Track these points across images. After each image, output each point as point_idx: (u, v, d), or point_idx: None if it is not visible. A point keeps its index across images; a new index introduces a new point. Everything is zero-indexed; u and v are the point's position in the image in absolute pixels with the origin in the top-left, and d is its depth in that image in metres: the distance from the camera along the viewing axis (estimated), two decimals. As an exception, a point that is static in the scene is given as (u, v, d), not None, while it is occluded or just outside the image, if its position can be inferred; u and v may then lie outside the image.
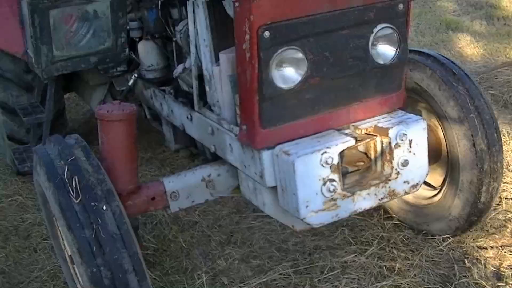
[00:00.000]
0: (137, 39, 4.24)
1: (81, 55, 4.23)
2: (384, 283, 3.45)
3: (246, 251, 3.86)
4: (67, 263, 3.33)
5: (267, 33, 2.55)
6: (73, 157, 2.88)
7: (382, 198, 2.95)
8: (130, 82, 4.33)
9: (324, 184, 2.74)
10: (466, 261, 3.55)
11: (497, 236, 3.79)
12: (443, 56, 3.63)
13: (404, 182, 2.98)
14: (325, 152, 2.72)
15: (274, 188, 2.89)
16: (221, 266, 3.74)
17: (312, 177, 2.71)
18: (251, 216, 4.20)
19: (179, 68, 3.51)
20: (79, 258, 2.65)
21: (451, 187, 3.52)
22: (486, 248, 3.68)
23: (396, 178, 2.94)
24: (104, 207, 2.71)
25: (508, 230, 3.83)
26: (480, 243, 3.72)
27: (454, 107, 3.37)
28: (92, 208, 2.69)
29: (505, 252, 3.65)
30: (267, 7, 2.51)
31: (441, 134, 3.53)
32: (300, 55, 2.67)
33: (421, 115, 3.10)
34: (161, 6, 3.78)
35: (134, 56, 4.28)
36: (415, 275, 3.49)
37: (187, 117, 3.48)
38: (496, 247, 3.70)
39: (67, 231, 2.69)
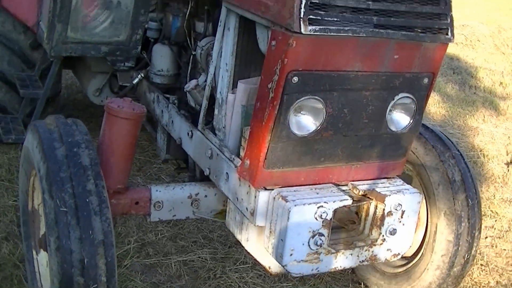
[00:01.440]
0: (152, 40, 4.24)
1: (93, 41, 4.24)
2: (284, 284, 3.76)
3: (176, 232, 4.21)
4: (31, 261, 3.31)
5: (295, 79, 2.56)
6: (74, 145, 2.85)
7: (362, 261, 2.97)
8: (135, 81, 4.32)
9: (313, 236, 2.75)
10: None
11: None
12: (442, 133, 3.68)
13: (387, 250, 3.01)
14: (322, 206, 2.73)
15: (261, 228, 2.89)
16: (150, 239, 4.08)
17: (303, 227, 2.72)
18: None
19: (192, 83, 3.50)
20: (53, 229, 2.61)
21: (425, 258, 3.54)
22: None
23: (381, 244, 2.97)
24: (93, 201, 2.69)
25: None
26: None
27: (441, 179, 3.41)
28: (82, 196, 2.67)
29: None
30: (302, 55, 2.52)
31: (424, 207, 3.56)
32: (320, 106, 2.68)
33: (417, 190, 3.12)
34: (188, 16, 3.77)
35: (145, 56, 4.28)
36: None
37: (188, 133, 3.47)
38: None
39: (50, 200, 2.67)
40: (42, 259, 3.28)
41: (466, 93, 8.91)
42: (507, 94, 9.23)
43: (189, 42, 3.81)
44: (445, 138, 3.61)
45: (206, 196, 3.39)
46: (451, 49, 11.24)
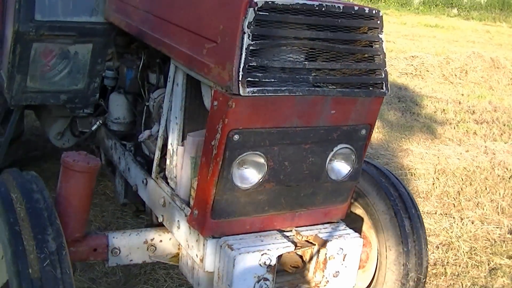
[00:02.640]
0: (109, 88, 4.37)
1: (52, 90, 4.35)
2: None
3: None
4: None
5: (236, 137, 2.73)
6: (30, 196, 2.97)
7: (308, 302, 3.13)
8: (94, 127, 4.45)
9: (258, 281, 2.91)
10: None
11: None
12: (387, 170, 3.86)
13: (331, 291, 3.17)
14: (265, 253, 2.90)
15: (211, 273, 3.04)
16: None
17: (248, 273, 2.89)
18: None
19: (145, 134, 3.67)
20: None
21: None
22: None
23: (324, 286, 3.14)
24: (52, 248, 2.79)
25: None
26: None
27: (388, 215, 3.57)
28: (41, 246, 2.77)
29: None
30: (242, 114, 2.69)
31: (373, 240, 3.71)
32: (262, 160, 2.86)
33: (359, 233, 3.29)
34: (141, 67, 3.93)
35: (102, 103, 4.41)
36: None
37: (143, 181, 3.62)
38: None
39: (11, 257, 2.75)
40: None
41: (407, 119, 9.48)
42: (446, 120, 9.79)
43: (142, 92, 3.97)
44: (393, 178, 3.78)
45: (161, 241, 3.52)
46: (401, 79, 12.16)
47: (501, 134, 9.48)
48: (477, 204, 6.49)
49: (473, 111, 10.67)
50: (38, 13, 4.06)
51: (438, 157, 7.79)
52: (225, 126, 2.69)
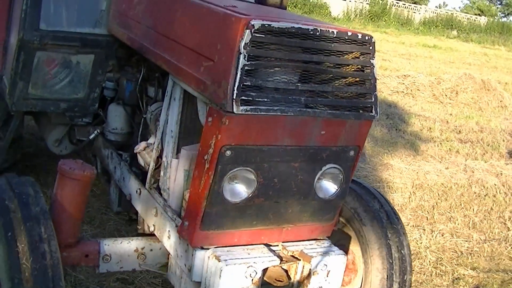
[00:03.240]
0: (109, 98, 4.48)
1: (53, 98, 4.46)
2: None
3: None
4: None
5: (228, 152, 2.84)
6: (26, 201, 3.06)
7: (291, 316, 3.23)
8: (91, 136, 4.55)
9: None
10: None
11: None
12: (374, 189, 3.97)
13: (314, 306, 3.27)
14: (251, 266, 3.00)
15: (198, 283, 3.14)
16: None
17: (234, 284, 2.99)
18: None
19: (141, 145, 3.77)
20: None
21: None
22: None
23: (308, 300, 3.24)
24: (45, 252, 2.88)
25: None
26: None
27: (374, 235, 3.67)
28: (34, 249, 2.86)
29: None
30: (234, 131, 2.81)
31: (360, 262, 3.81)
32: (252, 176, 2.97)
33: (343, 250, 3.39)
34: (141, 80, 4.04)
35: (101, 113, 4.51)
36: None
37: (136, 191, 3.72)
38: None
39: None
40: None
41: (392, 135, 9.74)
42: (431, 138, 10.08)
43: (141, 105, 4.08)
44: (379, 195, 3.89)
45: (151, 250, 3.62)
46: (392, 97, 12.47)
47: (484, 154, 9.80)
48: (450, 218, 6.78)
49: (459, 131, 11.01)
50: (43, 23, 4.18)
51: (417, 172, 8.04)
52: (218, 142, 2.80)
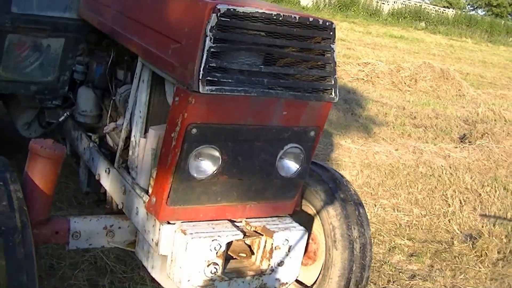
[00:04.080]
0: (78, 81, 4.58)
1: (23, 81, 4.54)
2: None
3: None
4: None
5: (194, 130, 2.98)
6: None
7: (253, 288, 3.39)
8: (61, 119, 4.65)
9: (208, 265, 3.16)
10: None
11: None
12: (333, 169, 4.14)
13: (276, 279, 3.43)
14: (215, 239, 3.15)
15: (164, 256, 3.28)
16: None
17: (199, 257, 3.13)
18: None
19: (110, 126, 3.90)
20: None
21: (323, 284, 3.95)
22: None
23: (270, 274, 3.39)
24: (17, 227, 2.98)
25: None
26: None
27: (337, 215, 3.83)
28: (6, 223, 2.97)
29: None
30: (200, 110, 2.95)
31: (322, 239, 3.97)
32: (217, 153, 3.11)
33: (304, 227, 3.55)
34: (110, 64, 4.16)
35: (71, 96, 4.62)
36: None
37: (105, 171, 3.84)
38: None
39: None
40: None
41: (347, 119, 10.06)
42: (386, 122, 10.43)
43: (110, 87, 4.19)
44: (340, 177, 4.06)
45: (120, 227, 3.74)
46: (352, 84, 12.91)
47: (435, 138, 10.20)
48: (394, 195, 7.07)
49: (415, 117, 11.38)
50: (15, 6, 4.26)
51: (366, 152, 8.37)
52: (185, 120, 2.94)
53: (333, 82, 3.29)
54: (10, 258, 2.92)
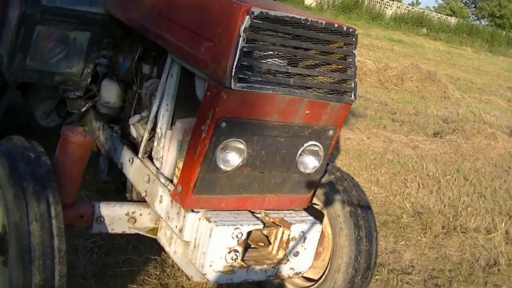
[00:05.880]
0: (101, 74, 4.75)
1: (48, 71, 4.71)
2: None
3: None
4: None
5: (223, 124, 3.17)
6: (32, 161, 3.34)
7: (269, 276, 3.58)
8: (83, 109, 4.83)
9: (229, 252, 3.35)
10: None
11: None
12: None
13: (291, 269, 3.62)
14: (238, 228, 3.34)
15: (187, 242, 3.47)
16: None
17: (222, 244, 3.32)
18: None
19: (136, 118, 4.07)
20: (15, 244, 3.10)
21: (330, 277, 4.13)
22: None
23: (285, 263, 3.58)
24: (48, 207, 3.18)
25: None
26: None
27: (346, 215, 4.01)
28: (38, 205, 3.16)
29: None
30: (230, 105, 3.14)
31: (327, 232, 4.15)
32: (242, 147, 3.30)
33: (319, 221, 3.74)
34: (137, 58, 4.34)
35: (93, 88, 4.79)
36: None
37: (129, 160, 4.02)
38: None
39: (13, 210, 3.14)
40: None
41: None
42: (364, 114, 10.83)
43: (135, 81, 4.37)
44: (346, 175, 4.25)
45: (141, 214, 3.92)
46: None
47: (409, 131, 10.61)
48: (356, 175, 7.41)
49: (395, 112, 11.77)
50: None
51: (338, 138, 8.58)
52: (215, 114, 3.14)
53: (353, 85, 3.49)
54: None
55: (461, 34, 39.17)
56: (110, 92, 4.62)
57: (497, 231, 6.73)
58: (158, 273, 4.49)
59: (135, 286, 4.30)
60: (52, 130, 5.39)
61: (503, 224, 6.98)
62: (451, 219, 6.88)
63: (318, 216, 4.10)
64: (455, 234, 6.54)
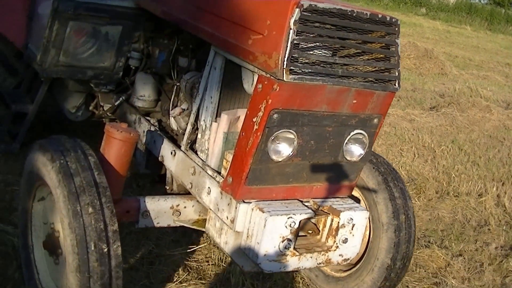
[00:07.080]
0: (133, 67, 4.79)
1: (81, 66, 4.75)
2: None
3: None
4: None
5: (276, 116, 3.22)
6: (81, 158, 3.41)
7: (320, 263, 3.63)
8: (117, 103, 4.87)
9: (283, 241, 3.40)
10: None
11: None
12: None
13: (340, 255, 3.68)
14: (291, 217, 3.39)
15: (238, 233, 3.52)
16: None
17: (275, 233, 3.37)
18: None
19: (177, 110, 4.12)
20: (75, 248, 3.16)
21: (366, 266, 4.21)
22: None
23: (335, 250, 3.64)
24: (100, 202, 3.26)
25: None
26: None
27: (386, 205, 4.09)
28: (92, 203, 3.23)
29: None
30: (282, 97, 3.18)
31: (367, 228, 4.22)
32: (293, 137, 3.35)
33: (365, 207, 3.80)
34: (174, 52, 4.38)
35: (126, 81, 4.83)
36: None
37: (171, 153, 4.06)
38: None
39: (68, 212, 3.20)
40: (41, 257, 3.80)
41: None
42: None
43: (172, 73, 4.41)
44: (382, 160, 4.32)
45: (185, 207, 3.98)
46: None
47: (406, 106, 10.78)
48: None
49: None
50: None
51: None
52: (268, 106, 3.18)
53: (397, 73, 3.53)
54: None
55: (460, 13, 39.08)
56: (145, 85, 4.65)
57: (488, 194, 7.11)
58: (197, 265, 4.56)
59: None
60: (79, 125, 5.47)
61: (495, 188, 7.34)
62: (444, 184, 7.22)
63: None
64: (448, 198, 6.90)
